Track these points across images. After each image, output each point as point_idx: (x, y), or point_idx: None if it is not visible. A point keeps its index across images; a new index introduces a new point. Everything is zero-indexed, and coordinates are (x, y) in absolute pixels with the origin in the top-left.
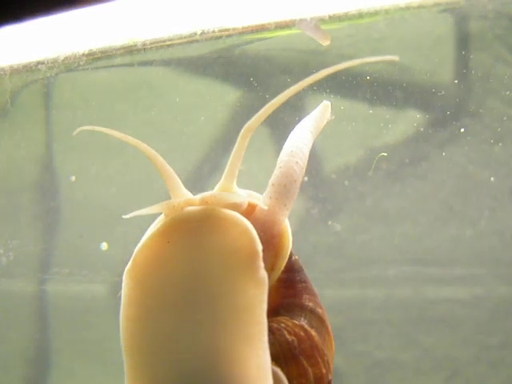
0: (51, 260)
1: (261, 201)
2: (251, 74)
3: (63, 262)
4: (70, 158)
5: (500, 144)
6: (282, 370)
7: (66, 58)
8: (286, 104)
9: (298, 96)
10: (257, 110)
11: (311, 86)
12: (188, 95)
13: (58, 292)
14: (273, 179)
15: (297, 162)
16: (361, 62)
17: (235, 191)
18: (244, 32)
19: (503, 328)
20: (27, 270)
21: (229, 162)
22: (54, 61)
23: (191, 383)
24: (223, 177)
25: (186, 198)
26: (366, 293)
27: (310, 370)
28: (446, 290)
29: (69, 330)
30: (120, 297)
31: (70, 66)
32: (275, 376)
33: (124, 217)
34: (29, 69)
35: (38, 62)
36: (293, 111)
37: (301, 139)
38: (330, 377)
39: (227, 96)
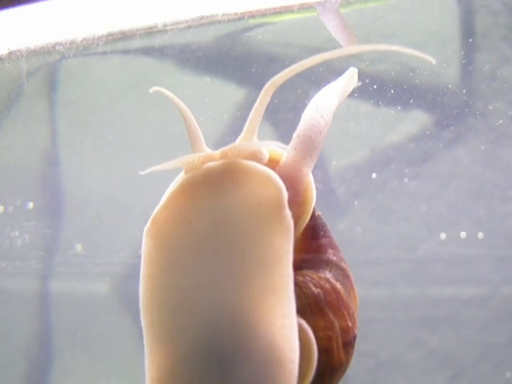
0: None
1: (285, 152)
2: (264, 67)
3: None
4: (75, 152)
5: (505, 144)
6: (309, 322)
7: (84, 40)
8: (292, 104)
9: (306, 95)
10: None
11: (317, 86)
12: (195, 92)
13: (61, 290)
14: (298, 131)
15: (322, 116)
16: (387, 48)
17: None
18: (266, 13)
19: (507, 328)
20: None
21: (249, 117)
22: (73, 42)
23: (214, 333)
24: (243, 131)
25: (205, 153)
26: (371, 292)
27: (336, 322)
28: (451, 289)
29: (71, 328)
30: (140, 257)
31: (89, 47)
32: (300, 327)
33: (141, 173)
34: (46, 50)
35: (56, 43)
36: (298, 111)
37: (326, 97)
38: (356, 331)
39: (235, 93)
